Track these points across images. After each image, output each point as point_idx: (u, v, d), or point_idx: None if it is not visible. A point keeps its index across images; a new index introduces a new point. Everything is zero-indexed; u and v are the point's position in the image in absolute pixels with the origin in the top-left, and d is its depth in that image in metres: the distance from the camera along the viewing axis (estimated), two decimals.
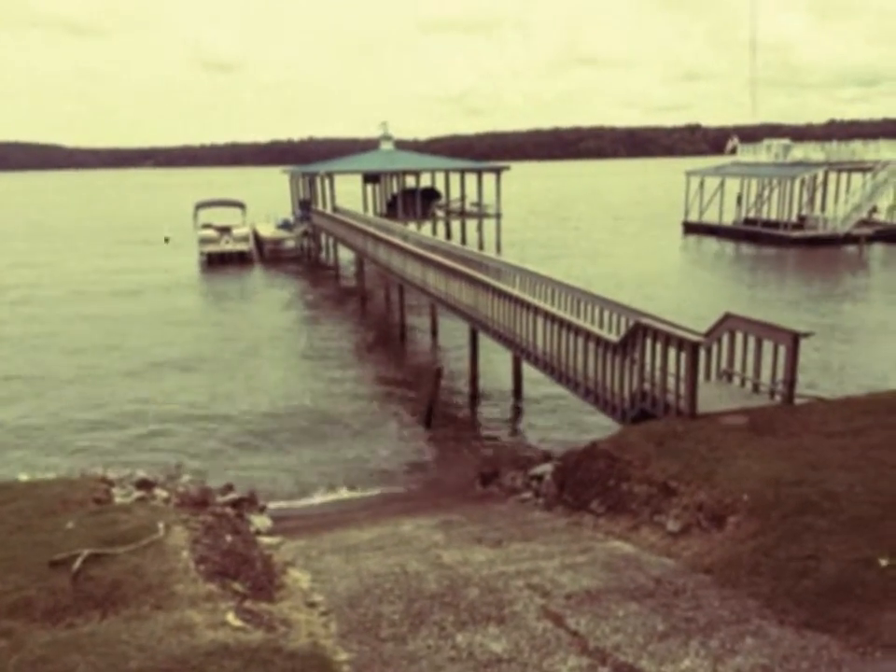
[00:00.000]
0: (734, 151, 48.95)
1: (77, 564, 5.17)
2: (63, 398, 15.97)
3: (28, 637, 4.47)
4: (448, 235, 40.31)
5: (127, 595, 4.93)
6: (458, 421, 14.28)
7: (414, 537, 7.41)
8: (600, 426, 11.28)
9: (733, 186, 44.77)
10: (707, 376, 9.48)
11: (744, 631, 4.59)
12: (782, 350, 8.46)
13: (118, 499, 7.16)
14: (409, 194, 40.45)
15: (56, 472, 9.18)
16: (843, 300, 24.96)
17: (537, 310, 11.78)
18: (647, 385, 8.96)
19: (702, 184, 45.32)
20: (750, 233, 41.07)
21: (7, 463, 12.01)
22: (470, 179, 41.68)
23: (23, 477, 8.24)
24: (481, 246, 34.59)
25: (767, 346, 8.69)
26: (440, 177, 44.36)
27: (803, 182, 42.01)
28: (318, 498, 10.91)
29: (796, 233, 38.65)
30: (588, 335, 10.15)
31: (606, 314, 12.14)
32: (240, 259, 36.47)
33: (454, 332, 19.61)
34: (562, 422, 13.71)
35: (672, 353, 8.47)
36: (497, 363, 16.44)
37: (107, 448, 12.93)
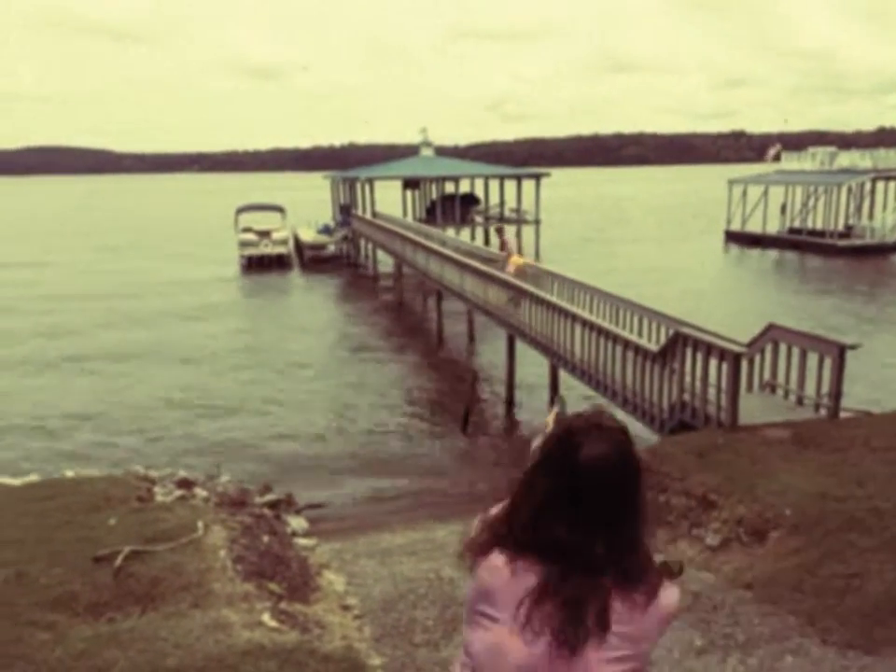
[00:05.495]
0: (777, 158, 48.04)
1: (119, 560, 5.27)
2: (96, 394, 16.36)
3: (70, 631, 4.58)
4: (487, 241, 40.29)
5: (166, 593, 5.02)
6: (494, 427, 14.24)
7: (448, 542, 7.40)
8: (637, 436, 11.15)
9: (777, 194, 43.94)
10: (749, 388, 9.30)
11: (784, 649, 4.49)
12: (828, 362, 8.27)
13: (159, 498, 7.29)
14: (448, 200, 40.55)
15: (100, 470, 9.38)
16: (891, 310, 24.29)
17: (574, 317, 11.70)
18: (686, 396, 8.83)
19: (745, 192, 44.58)
20: (795, 242, 40.24)
21: (55, 457, 12.32)
22: (510, 185, 41.62)
23: (69, 473, 8.44)
24: (519, 252, 34.47)
25: (812, 358, 8.50)
26: (479, 183, 44.40)
27: (850, 190, 41.03)
28: (352, 502, 10.96)
29: (843, 242, 37.77)
30: (627, 344, 10.05)
31: (645, 322, 12.00)
32: (279, 263, 36.93)
33: (491, 338, 19.56)
34: None
35: (713, 363, 8.34)
36: (533, 370, 16.35)
37: (146, 447, 13.18)
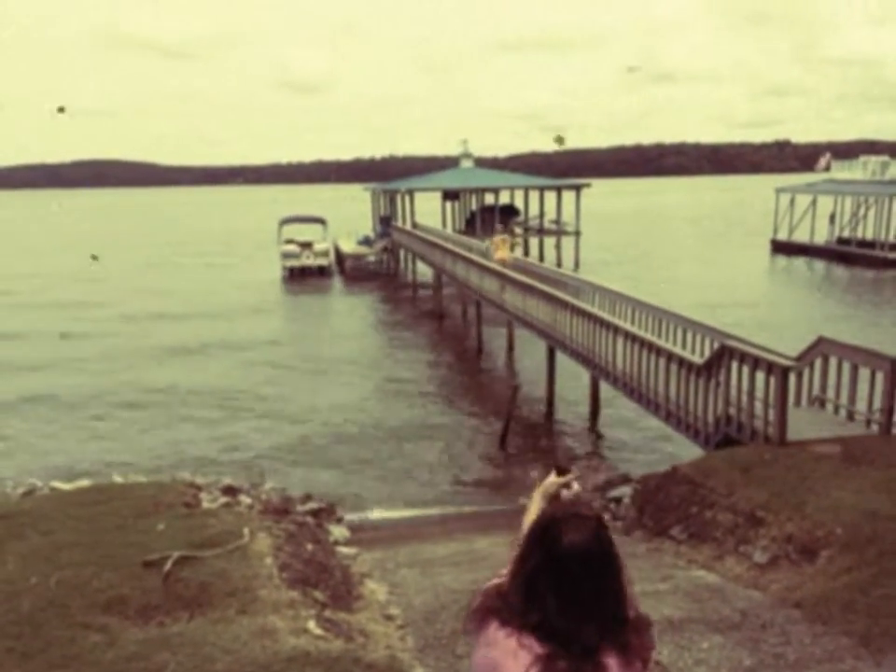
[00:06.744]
0: (827, 169, 47.06)
1: (168, 565, 5.38)
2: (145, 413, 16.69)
3: (122, 634, 4.68)
4: (526, 252, 40.21)
5: (214, 598, 5.10)
6: (534, 439, 14.16)
7: (490, 554, 7.38)
8: (681, 450, 10.99)
9: (825, 204, 43.02)
10: (798, 402, 9.12)
11: (838, 670, 4.38)
12: (880, 376, 8.06)
13: (205, 504, 7.41)
14: (487, 211, 40.62)
15: (147, 475, 9.59)
16: None
17: (616, 329, 11.61)
18: (732, 410, 8.69)
19: (792, 201, 43.74)
20: (844, 254, 39.34)
21: (102, 463, 12.61)
22: (550, 196, 41.52)
23: (118, 479, 8.64)
24: (559, 264, 34.35)
25: (863, 373, 8.29)
26: (518, 194, 44.39)
27: None
28: (392, 512, 10.99)
29: (894, 254, 36.80)
30: (670, 356, 9.93)
31: (689, 334, 11.85)
32: (320, 274, 37.44)
33: (531, 350, 19.47)
34: (641, 444, 13.40)
35: (760, 377, 8.19)
36: (574, 382, 16.22)
37: (190, 454, 13.41)
